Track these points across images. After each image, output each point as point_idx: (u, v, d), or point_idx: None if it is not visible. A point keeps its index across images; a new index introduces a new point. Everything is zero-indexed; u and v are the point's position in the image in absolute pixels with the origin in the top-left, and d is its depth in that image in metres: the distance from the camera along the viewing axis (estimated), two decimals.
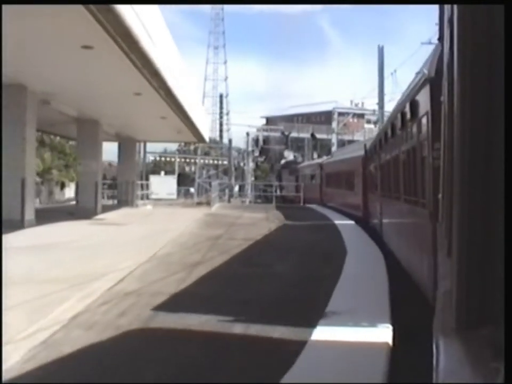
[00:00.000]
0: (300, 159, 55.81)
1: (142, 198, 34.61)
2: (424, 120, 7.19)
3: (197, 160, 55.58)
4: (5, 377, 4.18)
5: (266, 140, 66.95)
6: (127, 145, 29.65)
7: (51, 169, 52.30)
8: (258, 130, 65.33)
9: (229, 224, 18.72)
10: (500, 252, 1.27)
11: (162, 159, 63.19)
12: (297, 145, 67.69)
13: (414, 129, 8.25)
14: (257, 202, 43.48)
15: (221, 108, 55.02)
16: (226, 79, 65.63)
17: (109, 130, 26.10)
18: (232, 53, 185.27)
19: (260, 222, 20.08)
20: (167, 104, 18.01)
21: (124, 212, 24.20)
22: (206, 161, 62.69)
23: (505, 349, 1.11)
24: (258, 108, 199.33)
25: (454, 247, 1.58)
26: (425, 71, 6.75)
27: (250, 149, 64.65)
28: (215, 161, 57.70)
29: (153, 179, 56.52)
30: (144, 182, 39.77)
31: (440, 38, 4.33)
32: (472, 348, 1.34)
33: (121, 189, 29.77)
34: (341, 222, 20.47)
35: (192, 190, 54.47)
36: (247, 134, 63.60)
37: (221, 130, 53.08)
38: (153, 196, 52.01)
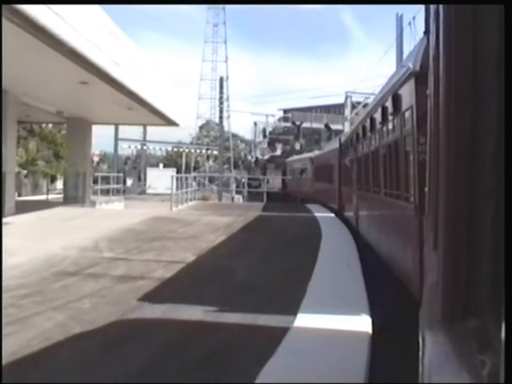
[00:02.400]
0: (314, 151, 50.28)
1: (118, 193, 28.84)
2: (408, 115, 7.02)
3: (192, 150, 49.72)
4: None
5: (275, 131, 60.98)
6: (76, 128, 23.55)
7: (36, 160, 47.51)
8: (277, 120, 59.25)
9: (155, 238, 12.51)
10: (485, 244, 1.29)
11: (175, 150, 57.48)
12: (314, 137, 61.76)
13: (397, 123, 8.02)
14: (256, 199, 37.84)
15: (221, 92, 48.88)
16: (226, 60, 59.33)
17: (40, 105, 20.13)
18: (252, 46, 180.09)
19: (212, 232, 13.83)
20: (64, 56, 11.91)
21: (47, 213, 18.19)
22: (210, 151, 57.10)
23: (505, 346, 1.05)
24: (277, 101, 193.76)
25: (439, 240, 1.58)
26: (410, 65, 6.58)
27: (258, 139, 58.80)
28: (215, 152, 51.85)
29: (150, 172, 51.13)
30: (118, 174, 33.63)
31: (427, 32, 4.52)
32: (458, 340, 1.32)
33: (69, 182, 23.87)
34: (333, 231, 14.34)
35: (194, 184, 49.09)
36: (255, 123, 57.60)
37: (221, 117, 47.02)
38: (150, 191, 46.71)
